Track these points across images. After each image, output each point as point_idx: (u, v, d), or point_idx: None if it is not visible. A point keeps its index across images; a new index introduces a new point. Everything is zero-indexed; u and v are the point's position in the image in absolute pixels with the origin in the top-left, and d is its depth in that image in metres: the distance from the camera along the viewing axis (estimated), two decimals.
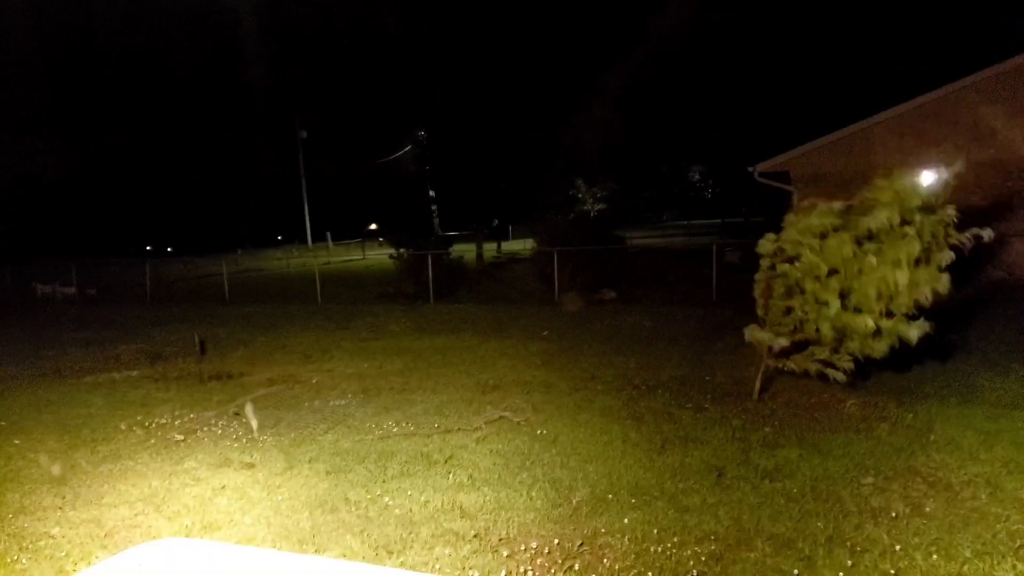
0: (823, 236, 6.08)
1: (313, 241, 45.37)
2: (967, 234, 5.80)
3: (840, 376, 6.00)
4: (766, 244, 6.58)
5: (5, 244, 33.88)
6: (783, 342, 6.25)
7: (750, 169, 14.27)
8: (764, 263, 6.59)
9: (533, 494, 4.63)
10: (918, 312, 5.73)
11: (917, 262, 5.70)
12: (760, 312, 6.61)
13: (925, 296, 5.63)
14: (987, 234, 5.79)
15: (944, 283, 5.63)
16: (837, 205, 6.14)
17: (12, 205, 38.84)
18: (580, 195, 41.91)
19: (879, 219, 5.86)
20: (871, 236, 5.93)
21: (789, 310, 6.30)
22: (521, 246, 30.84)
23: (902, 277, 5.61)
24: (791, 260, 6.29)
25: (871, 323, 5.70)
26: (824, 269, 5.99)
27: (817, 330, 6.06)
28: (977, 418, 5.73)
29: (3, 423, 6.96)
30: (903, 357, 6.18)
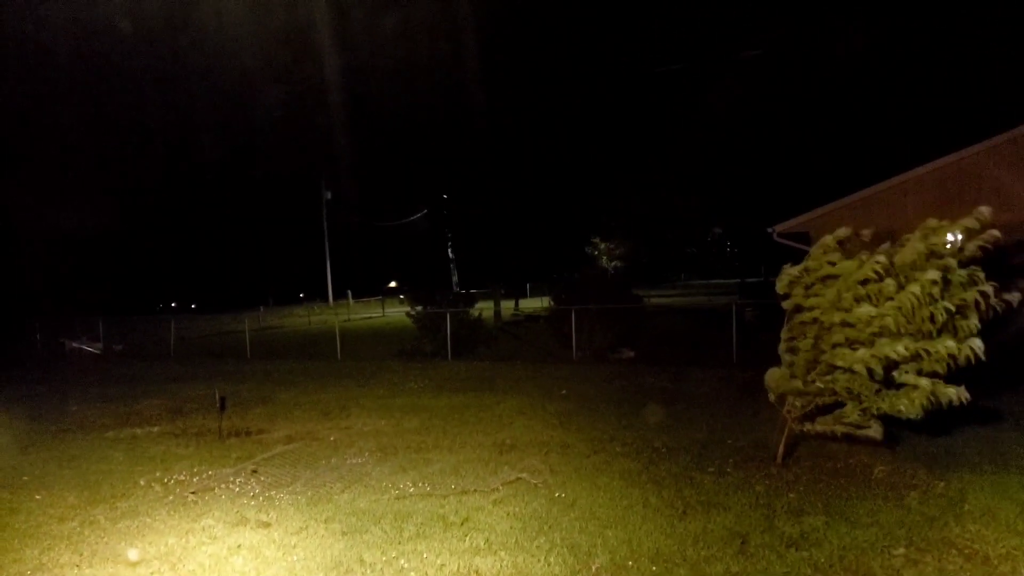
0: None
1: (334, 298, 46.04)
2: (998, 299, 5.63)
3: (875, 434, 5.76)
4: (784, 277, 6.41)
5: (37, 300, 34.95)
6: (799, 386, 6.07)
7: (769, 230, 14.37)
8: (788, 304, 6.46)
9: (551, 559, 4.53)
10: (952, 368, 5.54)
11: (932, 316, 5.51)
12: (785, 368, 6.47)
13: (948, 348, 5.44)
14: (1015, 299, 5.69)
15: (976, 345, 5.44)
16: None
17: (45, 262, 40.32)
18: (597, 253, 42.35)
19: (906, 253, 5.72)
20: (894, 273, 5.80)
21: (815, 363, 6.13)
22: (539, 303, 30.98)
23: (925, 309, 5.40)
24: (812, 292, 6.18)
25: (902, 349, 5.42)
26: (848, 286, 5.82)
27: (848, 390, 5.89)
28: (1013, 488, 5.52)
29: (26, 478, 7.03)
30: (938, 419, 6.00)
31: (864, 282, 5.79)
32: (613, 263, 41.63)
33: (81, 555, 4.94)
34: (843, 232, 6.29)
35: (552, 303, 17.54)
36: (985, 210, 5.81)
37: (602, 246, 41.91)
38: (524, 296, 37.57)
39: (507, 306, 31.41)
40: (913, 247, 5.80)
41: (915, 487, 5.63)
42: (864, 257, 5.90)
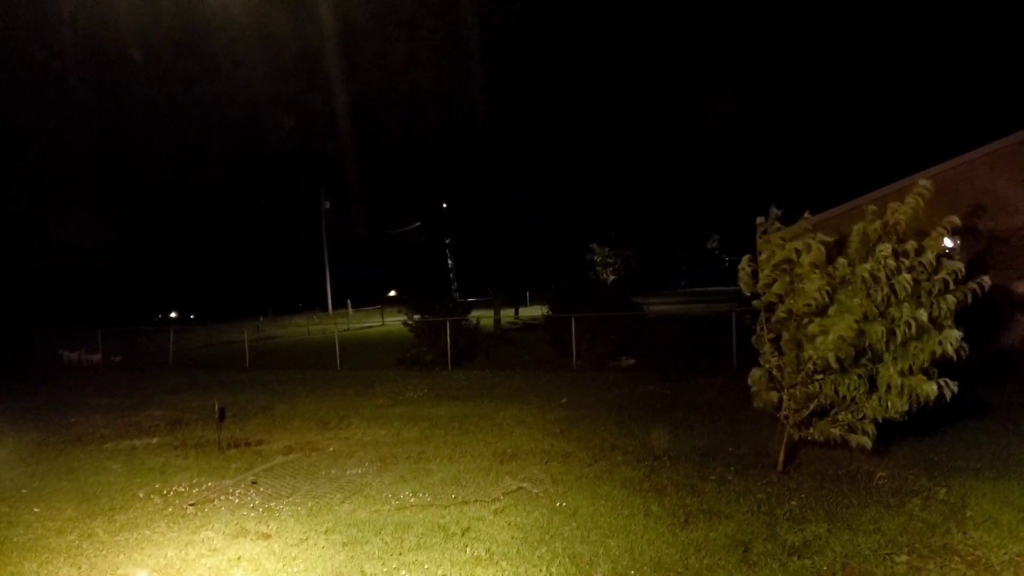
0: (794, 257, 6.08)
1: (334, 308, 45.96)
2: (972, 284, 5.68)
3: (865, 441, 5.78)
4: (742, 273, 6.42)
5: (36, 311, 34.93)
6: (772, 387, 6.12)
7: None
8: (759, 304, 6.46)
9: (553, 570, 4.51)
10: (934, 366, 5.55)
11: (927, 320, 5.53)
12: (775, 372, 6.46)
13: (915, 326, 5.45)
14: (987, 282, 5.75)
15: (953, 337, 5.46)
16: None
17: (44, 273, 40.35)
18: (597, 261, 42.40)
19: (853, 237, 5.87)
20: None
21: (800, 365, 6.12)
22: (539, 312, 30.94)
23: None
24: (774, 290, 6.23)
25: (857, 323, 5.45)
26: (804, 271, 5.89)
27: (836, 391, 5.91)
28: (1015, 494, 5.51)
29: (24, 491, 7.00)
30: (925, 418, 6.03)
31: (817, 265, 5.89)
32: (612, 271, 41.70)
33: (80, 568, 4.92)
34: (777, 215, 6.42)
35: (551, 311, 17.52)
36: (926, 183, 6.02)
37: (601, 255, 41.99)
38: (524, 305, 37.51)
39: (507, 315, 31.37)
40: (856, 231, 6.01)
41: (917, 493, 5.62)
42: (811, 240, 5.97)
